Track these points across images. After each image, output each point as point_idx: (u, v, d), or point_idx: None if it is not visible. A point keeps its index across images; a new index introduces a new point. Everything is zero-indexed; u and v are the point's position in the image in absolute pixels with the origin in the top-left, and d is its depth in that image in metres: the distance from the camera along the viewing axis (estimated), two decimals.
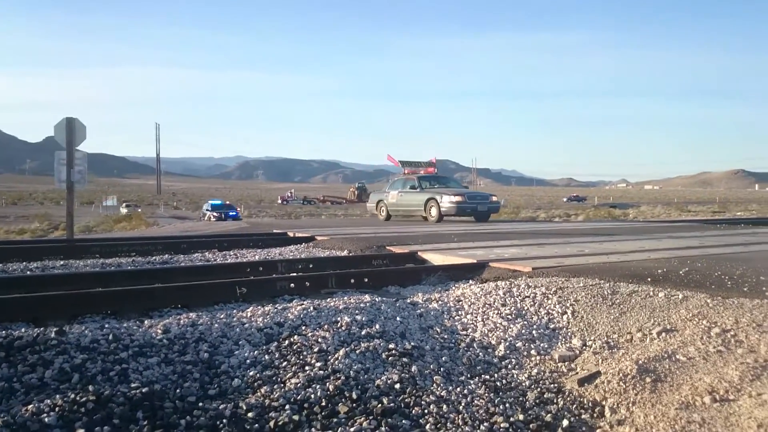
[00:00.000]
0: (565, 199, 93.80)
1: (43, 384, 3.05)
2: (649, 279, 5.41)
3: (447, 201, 16.35)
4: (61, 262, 7.61)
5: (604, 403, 3.19)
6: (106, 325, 3.90)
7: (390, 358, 3.61)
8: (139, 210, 43.45)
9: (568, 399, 3.28)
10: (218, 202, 45.92)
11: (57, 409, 2.72)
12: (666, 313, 4.36)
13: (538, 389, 3.39)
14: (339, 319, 4.25)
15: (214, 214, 38.64)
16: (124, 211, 41.48)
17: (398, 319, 4.46)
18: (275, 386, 3.15)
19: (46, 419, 2.63)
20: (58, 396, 2.85)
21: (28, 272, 6.82)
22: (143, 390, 2.95)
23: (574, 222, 22.78)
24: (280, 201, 79.54)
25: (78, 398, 2.81)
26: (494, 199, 17.70)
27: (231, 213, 39.53)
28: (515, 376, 3.60)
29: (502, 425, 2.89)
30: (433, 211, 16.72)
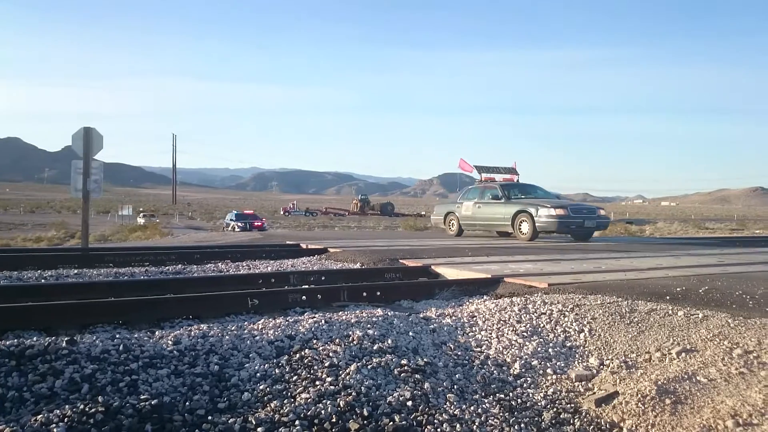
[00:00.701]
0: None
1: (53, 394, 3.03)
2: (667, 297, 5.30)
3: (545, 214, 13.31)
4: (75, 271, 7.64)
5: (622, 424, 3.11)
6: (117, 336, 3.88)
7: (402, 375, 3.55)
8: (157, 220, 43.32)
9: (585, 420, 3.19)
10: (247, 212, 45.35)
11: (66, 419, 2.70)
12: (686, 332, 4.26)
13: (554, 409, 3.31)
14: (351, 333, 4.19)
15: (239, 224, 37.98)
16: (141, 221, 41.26)
17: (411, 334, 4.39)
18: (285, 401, 3.11)
19: (55, 430, 2.61)
20: (67, 406, 2.83)
21: (42, 281, 6.85)
22: (152, 402, 2.92)
23: (590, 238, 22.53)
24: (282, 212, 79.20)
25: (87, 409, 2.78)
26: (602, 213, 14.57)
27: (256, 223, 38.99)
28: (531, 395, 3.52)
29: None
30: (525, 227, 13.78)
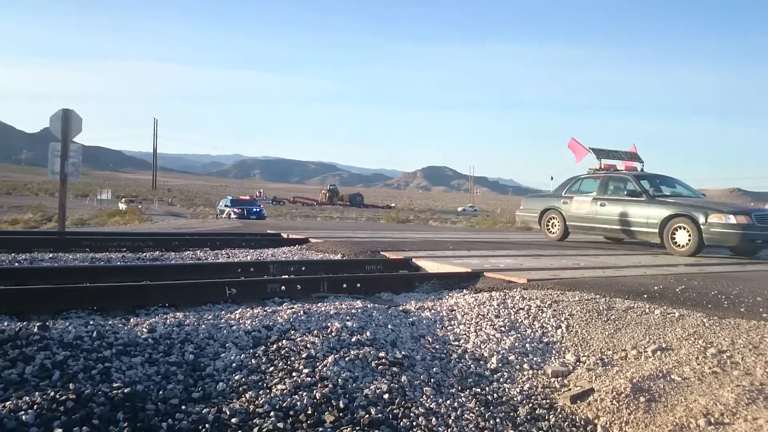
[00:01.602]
0: None
1: (23, 380, 2.97)
2: (645, 295, 5.35)
3: (719, 223, 9.47)
4: (50, 255, 7.51)
5: (596, 421, 3.13)
6: (91, 322, 3.82)
7: (380, 367, 3.54)
8: (140, 206, 41.82)
9: (560, 416, 3.21)
10: (243, 198, 40.47)
11: (35, 407, 2.65)
12: (662, 331, 4.30)
13: (530, 405, 3.33)
14: (329, 324, 4.17)
15: (235, 210, 33.84)
16: (123, 206, 39.96)
17: (390, 326, 4.38)
18: (261, 392, 3.08)
19: (24, 417, 2.56)
20: (37, 393, 2.77)
21: (16, 264, 6.71)
22: (125, 390, 2.88)
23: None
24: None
25: (58, 396, 2.73)
26: None
27: (254, 210, 34.55)
28: (507, 390, 3.53)
29: None
30: (682, 237, 9.89)
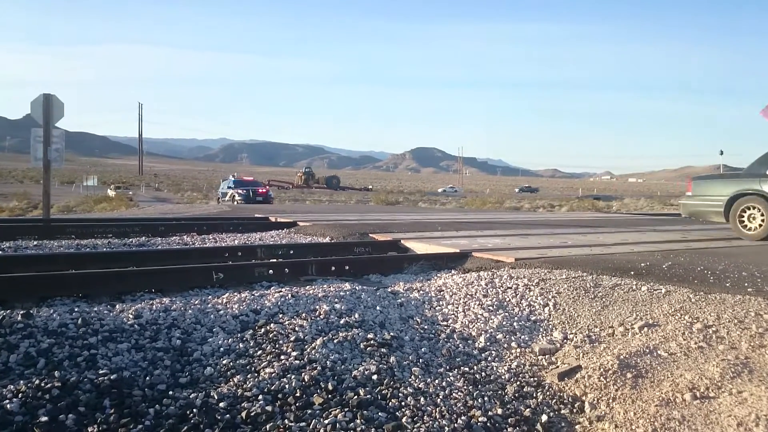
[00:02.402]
0: (516, 190, 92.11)
1: (7, 369, 2.95)
2: (632, 272, 5.38)
3: None
4: (35, 243, 7.43)
5: (584, 398, 3.15)
6: (76, 309, 3.79)
7: (368, 349, 3.54)
8: (130, 193, 39.64)
9: (548, 393, 3.23)
10: (247, 179, 34.17)
11: (20, 395, 2.62)
12: (648, 307, 4.33)
13: (518, 383, 3.34)
14: (317, 307, 4.16)
15: (239, 191, 29.46)
16: (112, 193, 38.31)
17: (378, 308, 4.38)
18: (249, 375, 3.07)
19: (9, 405, 2.53)
20: (22, 382, 2.75)
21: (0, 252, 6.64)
22: (111, 377, 2.85)
23: (558, 213, 22.85)
24: None
25: (43, 384, 2.71)
26: None
27: (261, 190, 30.74)
28: (495, 368, 3.54)
29: (480, 419, 2.83)
30: None
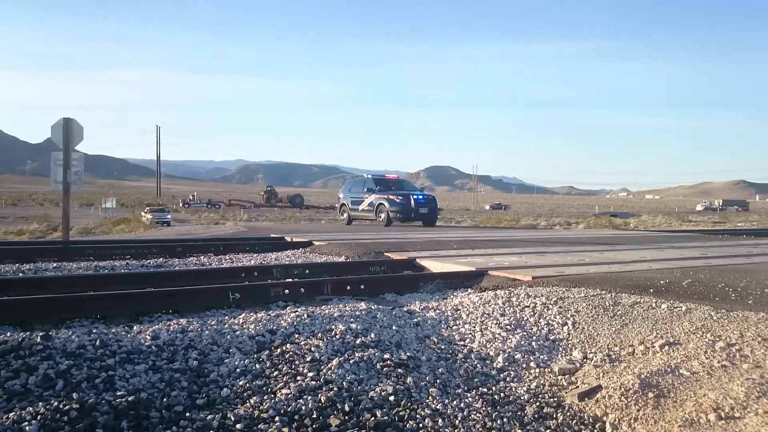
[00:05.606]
0: (487, 207, 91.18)
1: (26, 390, 2.96)
2: (651, 290, 5.31)
3: None
4: (54, 264, 7.51)
5: (605, 419, 3.09)
6: (94, 330, 3.81)
7: (385, 369, 3.51)
8: (168, 216, 36.85)
9: (568, 414, 3.17)
10: (418, 192, 20.33)
11: (39, 417, 2.63)
12: (669, 325, 4.26)
13: (537, 403, 3.29)
14: (333, 327, 4.15)
15: (390, 199, 18.44)
16: (148, 216, 35.20)
17: (394, 328, 4.35)
18: (265, 397, 3.05)
19: (27, 427, 2.54)
20: (40, 403, 2.76)
21: (20, 274, 6.72)
22: (129, 398, 2.86)
23: (575, 230, 22.68)
24: (181, 204, 73.30)
25: (61, 406, 2.72)
26: None
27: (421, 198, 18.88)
28: (514, 389, 3.50)
29: None
30: None
